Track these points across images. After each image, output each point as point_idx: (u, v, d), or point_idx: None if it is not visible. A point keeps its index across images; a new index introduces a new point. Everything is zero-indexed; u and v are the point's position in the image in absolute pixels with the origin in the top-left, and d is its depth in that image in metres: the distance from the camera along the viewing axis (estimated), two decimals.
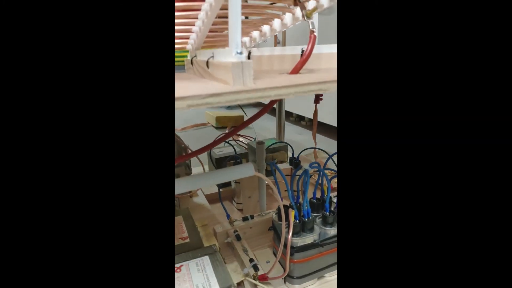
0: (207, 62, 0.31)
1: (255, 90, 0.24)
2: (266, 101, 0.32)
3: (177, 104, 0.21)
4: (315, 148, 0.86)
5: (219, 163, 0.70)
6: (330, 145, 1.29)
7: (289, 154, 0.77)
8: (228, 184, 0.71)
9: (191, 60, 0.39)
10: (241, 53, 0.26)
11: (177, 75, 0.41)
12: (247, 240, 0.51)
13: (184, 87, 0.26)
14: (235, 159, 0.67)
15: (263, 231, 0.55)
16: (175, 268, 0.33)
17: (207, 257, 0.35)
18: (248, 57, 0.45)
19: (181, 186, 0.32)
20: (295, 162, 0.71)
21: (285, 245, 0.40)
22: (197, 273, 0.33)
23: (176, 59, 0.45)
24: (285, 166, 0.73)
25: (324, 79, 0.26)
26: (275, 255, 0.48)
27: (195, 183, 0.33)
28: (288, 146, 0.78)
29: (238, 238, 0.51)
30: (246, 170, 0.34)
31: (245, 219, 0.55)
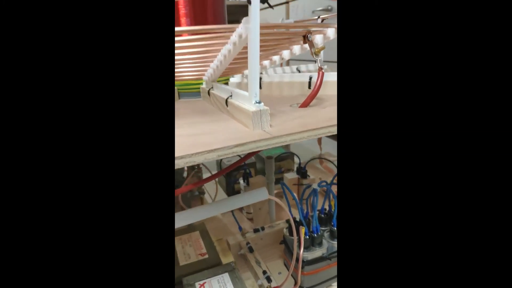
0: (226, 100, 0.35)
1: (273, 138, 0.27)
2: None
3: (209, 155, 0.25)
4: (320, 158, 0.90)
5: (228, 172, 0.74)
6: (335, 147, 1.32)
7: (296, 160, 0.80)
8: (237, 192, 0.75)
9: (208, 91, 0.42)
10: (259, 102, 0.29)
11: (198, 104, 0.45)
12: (258, 250, 0.55)
13: (212, 132, 0.29)
14: (244, 169, 0.71)
15: (273, 242, 0.58)
16: (201, 285, 0.37)
17: (226, 274, 0.39)
18: (260, 85, 0.49)
19: (196, 214, 0.36)
20: (302, 172, 0.75)
21: (297, 259, 0.44)
22: None
23: (192, 86, 0.48)
24: (292, 176, 0.77)
25: (332, 121, 0.30)
26: (286, 266, 0.52)
27: (211, 210, 0.36)
28: (295, 155, 0.82)
29: (251, 250, 0.54)
30: (260, 195, 0.38)
31: (256, 230, 0.59)
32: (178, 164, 0.24)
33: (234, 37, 0.30)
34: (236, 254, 0.54)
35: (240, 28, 0.28)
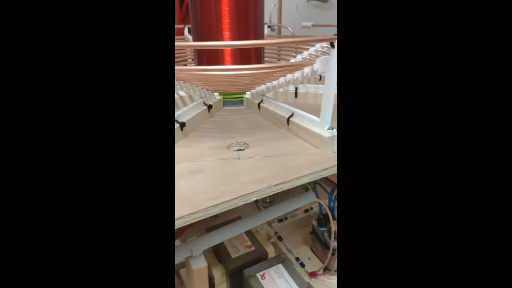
0: (288, 119, 0.40)
1: None
2: None
3: (304, 179, 0.30)
4: None
5: None
6: None
7: None
8: None
9: (259, 104, 0.47)
10: (332, 128, 0.34)
11: (247, 115, 0.49)
12: (285, 238, 0.62)
13: (291, 153, 0.34)
14: None
15: (295, 230, 0.65)
16: (261, 275, 0.43)
17: (280, 264, 0.45)
18: (296, 94, 0.53)
19: (253, 221, 0.41)
20: None
21: (327, 247, 0.51)
22: (279, 279, 0.43)
23: (235, 96, 0.52)
24: None
25: None
26: (313, 252, 0.59)
27: (266, 216, 0.42)
28: None
29: (280, 238, 0.61)
30: (308, 198, 0.44)
31: (280, 220, 0.66)
32: (282, 187, 0.29)
33: (307, 69, 0.35)
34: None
35: (316, 64, 0.33)
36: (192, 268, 0.35)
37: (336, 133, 0.34)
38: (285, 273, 0.43)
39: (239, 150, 0.37)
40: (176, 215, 0.24)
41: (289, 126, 0.40)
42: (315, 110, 0.36)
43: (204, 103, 0.46)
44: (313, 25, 0.72)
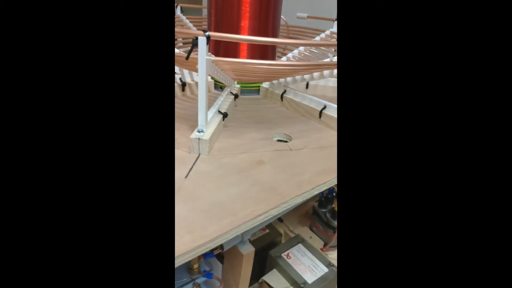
0: (320, 112, 0.42)
1: None
2: None
3: None
4: None
5: None
6: None
7: None
8: None
9: (282, 95, 0.49)
10: None
11: (270, 106, 0.51)
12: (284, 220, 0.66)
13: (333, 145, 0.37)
14: None
15: (290, 212, 0.70)
16: (286, 255, 0.46)
17: (300, 244, 0.49)
18: (307, 85, 0.56)
19: None
20: None
21: (329, 226, 0.57)
22: (302, 257, 0.46)
23: (254, 85, 0.54)
24: None
25: None
26: (312, 231, 0.64)
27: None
28: None
29: (281, 220, 0.65)
30: None
31: None
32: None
33: (327, 72, 0.38)
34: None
35: None
36: (242, 253, 0.37)
37: None
38: (307, 252, 0.48)
39: (281, 141, 0.39)
40: (269, 206, 0.26)
41: (321, 118, 0.43)
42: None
43: (231, 92, 0.46)
44: (308, 17, 0.74)
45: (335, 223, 0.57)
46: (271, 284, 0.44)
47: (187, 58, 0.29)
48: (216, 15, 0.50)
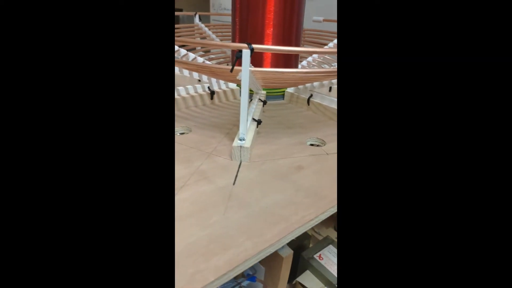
0: None
1: None
2: None
3: None
4: None
5: None
6: None
7: None
8: None
9: (308, 99, 0.50)
10: None
11: (297, 110, 0.52)
12: None
13: None
14: None
15: None
16: (318, 256, 0.47)
17: (331, 245, 0.50)
18: (330, 89, 0.57)
19: None
20: None
21: None
22: (334, 258, 0.47)
23: (278, 90, 0.55)
24: None
25: None
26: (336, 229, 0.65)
27: None
28: None
29: None
30: None
31: None
32: None
33: None
34: None
35: None
36: (282, 256, 0.38)
37: None
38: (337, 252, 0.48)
39: (315, 145, 0.40)
40: (319, 211, 0.27)
41: None
42: None
43: (259, 99, 0.48)
44: (324, 20, 0.75)
45: None
46: (306, 285, 0.45)
47: (231, 70, 0.30)
48: (240, 23, 0.52)
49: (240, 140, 0.34)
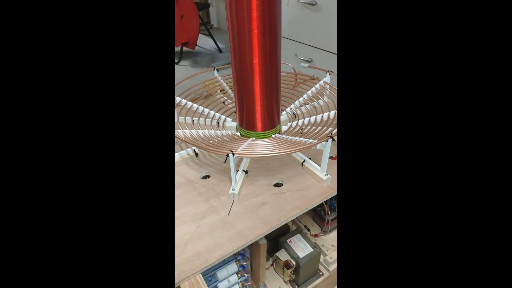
0: (302, 163, 0.73)
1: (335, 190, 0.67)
2: None
3: (313, 205, 0.65)
4: None
5: None
6: None
7: None
8: None
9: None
10: (327, 175, 0.68)
11: (284, 159, 0.82)
12: None
13: (311, 186, 0.69)
14: None
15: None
16: (289, 241, 0.80)
17: (298, 234, 0.82)
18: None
19: None
20: None
21: (323, 219, 0.88)
22: (299, 242, 0.79)
23: (264, 135, 0.84)
24: None
25: None
26: (314, 221, 0.96)
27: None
28: None
29: None
30: None
31: None
32: (307, 209, 0.64)
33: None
34: None
35: (319, 145, 0.66)
36: (259, 244, 0.70)
37: (328, 177, 0.68)
38: (302, 239, 0.81)
39: (279, 185, 0.71)
40: (264, 230, 0.59)
41: (303, 166, 0.73)
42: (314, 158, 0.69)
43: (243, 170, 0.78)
44: (309, 66, 1.00)
45: (325, 217, 0.89)
46: (280, 257, 0.79)
47: (225, 161, 0.61)
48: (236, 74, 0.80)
49: (233, 190, 0.66)
